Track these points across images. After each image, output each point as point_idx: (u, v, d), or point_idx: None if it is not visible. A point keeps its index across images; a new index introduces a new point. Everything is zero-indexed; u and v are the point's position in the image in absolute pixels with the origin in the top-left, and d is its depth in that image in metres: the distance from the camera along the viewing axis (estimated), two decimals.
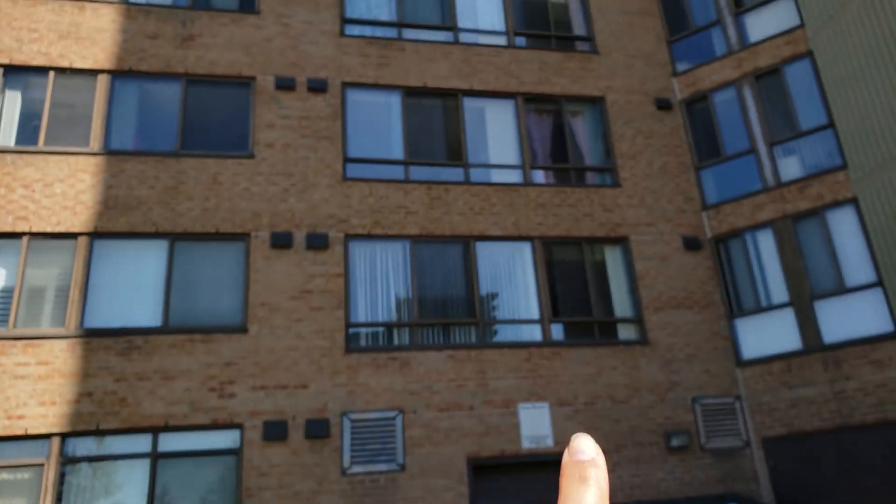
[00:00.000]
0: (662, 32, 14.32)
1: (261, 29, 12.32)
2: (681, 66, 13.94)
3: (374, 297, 11.13)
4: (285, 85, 11.91)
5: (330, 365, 10.37)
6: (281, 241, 10.81)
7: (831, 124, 11.89)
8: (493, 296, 11.58)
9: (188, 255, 10.56)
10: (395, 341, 10.92)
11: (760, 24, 13.17)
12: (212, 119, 11.58)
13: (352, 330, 10.81)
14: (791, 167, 12.14)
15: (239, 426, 9.79)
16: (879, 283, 10.85)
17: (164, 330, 9.97)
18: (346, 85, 12.37)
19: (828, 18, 12.00)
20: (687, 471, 10.82)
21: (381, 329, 10.96)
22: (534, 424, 10.56)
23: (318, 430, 9.88)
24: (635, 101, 13.53)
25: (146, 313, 10.08)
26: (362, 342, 10.82)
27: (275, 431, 9.76)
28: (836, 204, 11.50)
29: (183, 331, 10.02)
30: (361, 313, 10.98)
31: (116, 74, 11.42)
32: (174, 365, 9.82)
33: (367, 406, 10.27)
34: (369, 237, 11.41)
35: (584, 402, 11.00)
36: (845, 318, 10.97)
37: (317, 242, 10.99)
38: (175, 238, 10.59)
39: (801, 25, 12.63)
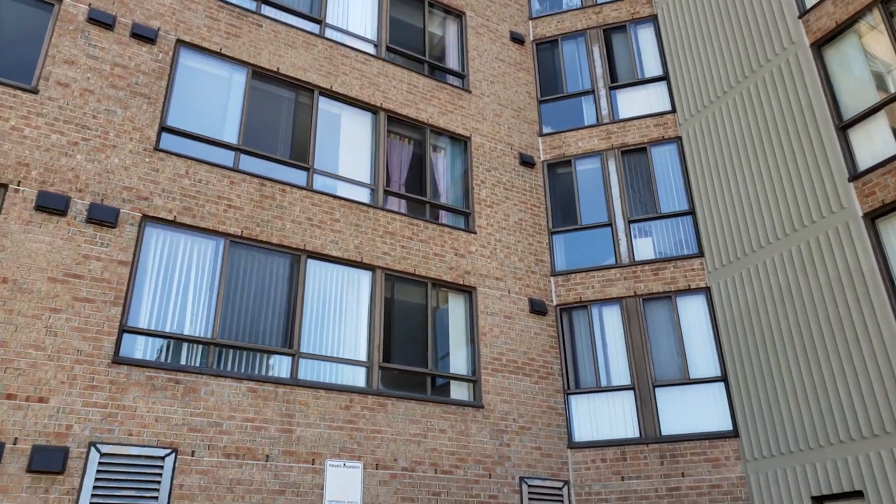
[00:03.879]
0: (534, 90, 13.84)
1: None
2: (547, 128, 13.44)
3: (166, 299, 8.64)
4: (102, 20, 9.38)
5: (87, 375, 7.62)
6: (51, 205, 8.06)
7: (692, 211, 11.81)
8: (318, 326, 9.61)
9: None
10: (183, 360, 8.45)
11: (633, 102, 13.09)
12: None
13: (127, 335, 8.18)
14: (647, 247, 11.81)
15: None
16: (723, 378, 10.53)
17: None
18: (181, 43, 10.10)
19: (700, 109, 12.13)
20: None
21: (166, 341, 8.45)
22: (341, 487, 8.55)
23: (49, 461, 7.04)
24: (500, 151, 12.68)
25: None
26: (138, 353, 8.22)
27: None
28: (689, 291, 11.24)
29: None
30: (144, 317, 8.41)
31: None
32: None
33: (130, 438, 7.62)
34: (175, 225, 8.99)
35: (404, 466, 9.24)
36: (686, 411, 10.46)
37: (102, 216, 8.37)
38: None
39: (673, 111, 12.70)
